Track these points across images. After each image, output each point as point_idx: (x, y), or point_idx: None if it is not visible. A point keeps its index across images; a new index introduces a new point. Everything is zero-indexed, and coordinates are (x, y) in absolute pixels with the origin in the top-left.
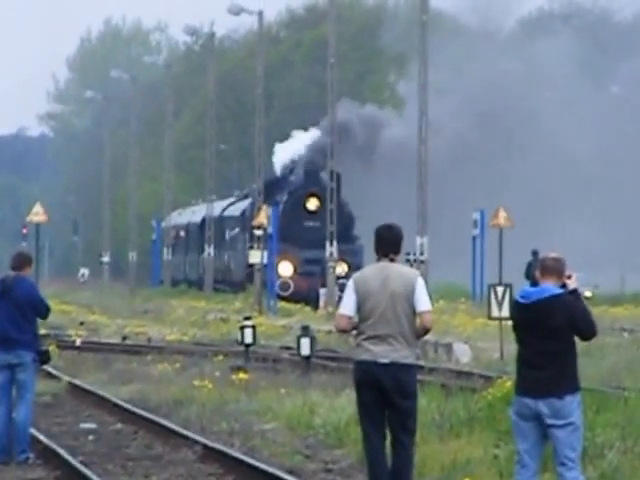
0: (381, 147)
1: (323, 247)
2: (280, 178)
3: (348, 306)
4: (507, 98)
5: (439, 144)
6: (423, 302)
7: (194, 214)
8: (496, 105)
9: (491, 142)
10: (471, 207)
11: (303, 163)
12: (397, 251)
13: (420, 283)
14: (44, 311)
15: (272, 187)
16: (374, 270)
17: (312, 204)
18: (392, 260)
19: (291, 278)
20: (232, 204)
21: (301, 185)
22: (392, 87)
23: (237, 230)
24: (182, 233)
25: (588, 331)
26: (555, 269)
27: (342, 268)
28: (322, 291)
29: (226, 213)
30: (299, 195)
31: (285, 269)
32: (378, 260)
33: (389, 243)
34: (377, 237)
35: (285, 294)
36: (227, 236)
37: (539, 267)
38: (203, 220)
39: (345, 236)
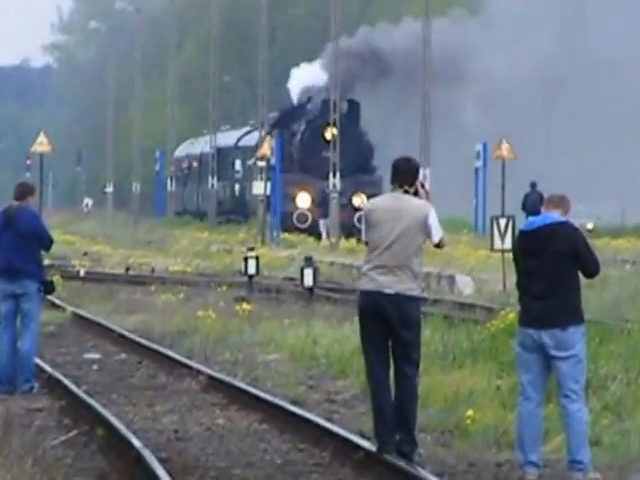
0: (395, 64)
1: (342, 177)
2: (297, 107)
3: (365, 234)
4: None
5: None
6: (436, 233)
7: (207, 144)
8: None
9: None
10: (474, 138)
11: (321, 92)
12: (412, 183)
13: (432, 214)
14: (47, 242)
15: (289, 116)
16: (387, 200)
17: (329, 134)
18: (406, 192)
19: (309, 210)
20: (248, 133)
21: (319, 114)
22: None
23: (253, 160)
24: (195, 163)
25: (592, 265)
26: (560, 203)
27: (361, 199)
28: (322, 222)
29: (241, 143)
30: (317, 125)
31: (303, 200)
32: (392, 190)
33: (405, 174)
34: (394, 168)
35: (303, 226)
36: (241, 166)
37: (545, 201)
38: (218, 150)
39: (364, 167)
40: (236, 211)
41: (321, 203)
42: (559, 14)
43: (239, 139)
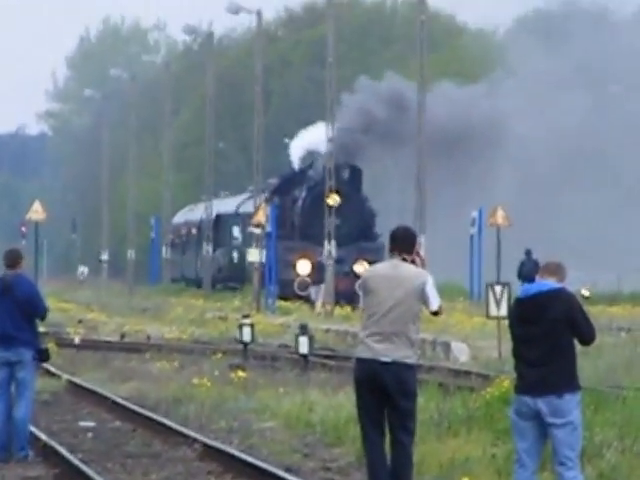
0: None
1: (344, 245)
2: (298, 173)
3: (362, 301)
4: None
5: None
6: (433, 301)
7: (207, 210)
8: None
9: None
10: (470, 205)
11: (322, 157)
12: (410, 251)
13: (430, 282)
14: (42, 311)
15: (290, 182)
16: (385, 267)
17: (332, 200)
18: (404, 259)
19: (309, 277)
20: (248, 199)
21: (321, 180)
22: None
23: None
24: (194, 230)
25: (588, 332)
26: (556, 271)
27: (363, 267)
28: (313, 289)
29: (241, 209)
30: (318, 191)
31: (304, 268)
32: (390, 258)
33: (403, 242)
34: (392, 236)
35: (304, 294)
36: (240, 232)
37: (541, 268)
38: (217, 217)
39: (366, 234)
40: (235, 278)
41: (322, 270)
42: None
43: (239, 205)
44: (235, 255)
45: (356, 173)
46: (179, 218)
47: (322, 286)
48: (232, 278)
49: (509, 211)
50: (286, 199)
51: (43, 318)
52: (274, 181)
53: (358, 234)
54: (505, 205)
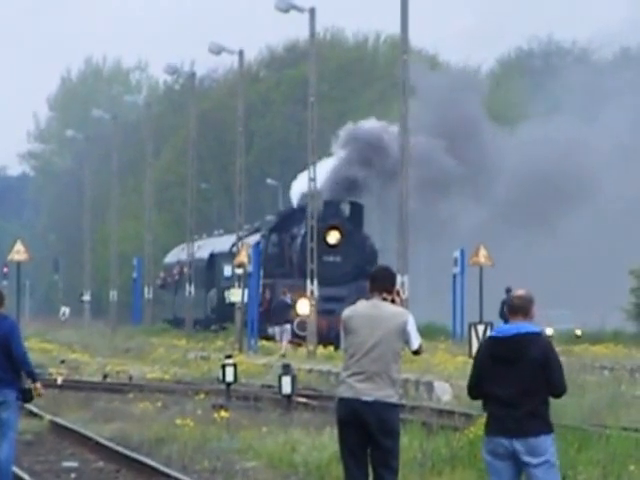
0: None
1: (345, 283)
2: (297, 209)
3: (343, 341)
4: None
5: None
6: (414, 340)
7: (200, 249)
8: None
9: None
10: (451, 244)
11: (322, 194)
12: (390, 290)
13: (411, 321)
14: (20, 354)
15: (288, 219)
16: (365, 307)
17: (332, 237)
18: (384, 299)
19: (309, 317)
20: (243, 238)
21: (320, 217)
22: None
23: None
24: (186, 269)
25: (560, 381)
26: (521, 307)
27: None
28: (277, 329)
29: (236, 249)
30: (318, 228)
31: (303, 307)
32: (370, 298)
33: (383, 282)
34: (372, 276)
35: (303, 334)
36: (231, 272)
37: (507, 307)
38: (211, 256)
39: (367, 272)
40: (226, 318)
41: (322, 310)
42: None
43: (234, 245)
44: (226, 295)
45: (357, 209)
46: (171, 258)
47: (287, 326)
48: (225, 318)
49: (491, 249)
50: (284, 236)
51: (20, 362)
52: (272, 218)
53: (359, 273)
54: (486, 244)
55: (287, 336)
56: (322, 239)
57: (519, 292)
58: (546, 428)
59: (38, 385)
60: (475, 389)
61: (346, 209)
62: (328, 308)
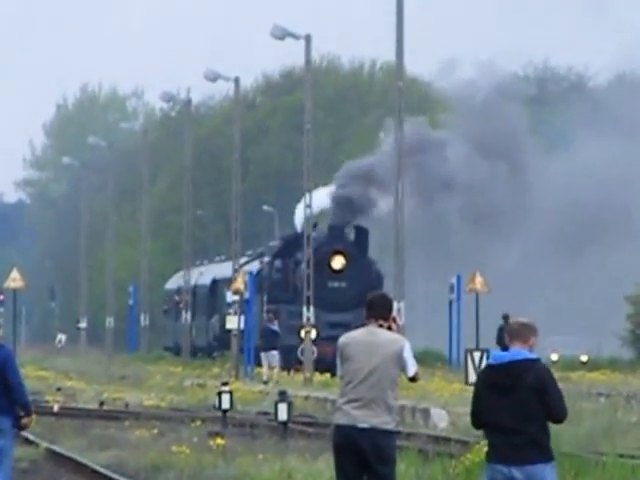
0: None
1: (350, 309)
2: (300, 234)
3: (339, 368)
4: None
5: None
6: (411, 367)
7: (202, 276)
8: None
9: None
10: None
11: (327, 218)
12: (386, 317)
13: (407, 348)
14: (16, 383)
15: (292, 244)
16: (362, 333)
17: (337, 262)
18: (380, 326)
19: (314, 343)
20: (246, 264)
21: (325, 242)
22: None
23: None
24: (187, 296)
25: (560, 407)
26: (519, 334)
27: None
28: (263, 355)
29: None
30: (322, 253)
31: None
32: (366, 324)
33: (380, 309)
34: (368, 303)
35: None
36: (232, 298)
37: (507, 332)
38: (213, 282)
39: None
40: (228, 345)
41: (327, 337)
42: None
43: (236, 270)
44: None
45: (362, 233)
46: (172, 284)
47: (274, 352)
48: (228, 345)
49: (488, 277)
50: (288, 262)
51: (15, 392)
52: (275, 243)
53: (364, 298)
54: (484, 271)
55: (275, 362)
56: (327, 264)
57: (520, 319)
58: (545, 456)
59: (28, 420)
60: (476, 418)
61: (351, 233)
62: (333, 334)
